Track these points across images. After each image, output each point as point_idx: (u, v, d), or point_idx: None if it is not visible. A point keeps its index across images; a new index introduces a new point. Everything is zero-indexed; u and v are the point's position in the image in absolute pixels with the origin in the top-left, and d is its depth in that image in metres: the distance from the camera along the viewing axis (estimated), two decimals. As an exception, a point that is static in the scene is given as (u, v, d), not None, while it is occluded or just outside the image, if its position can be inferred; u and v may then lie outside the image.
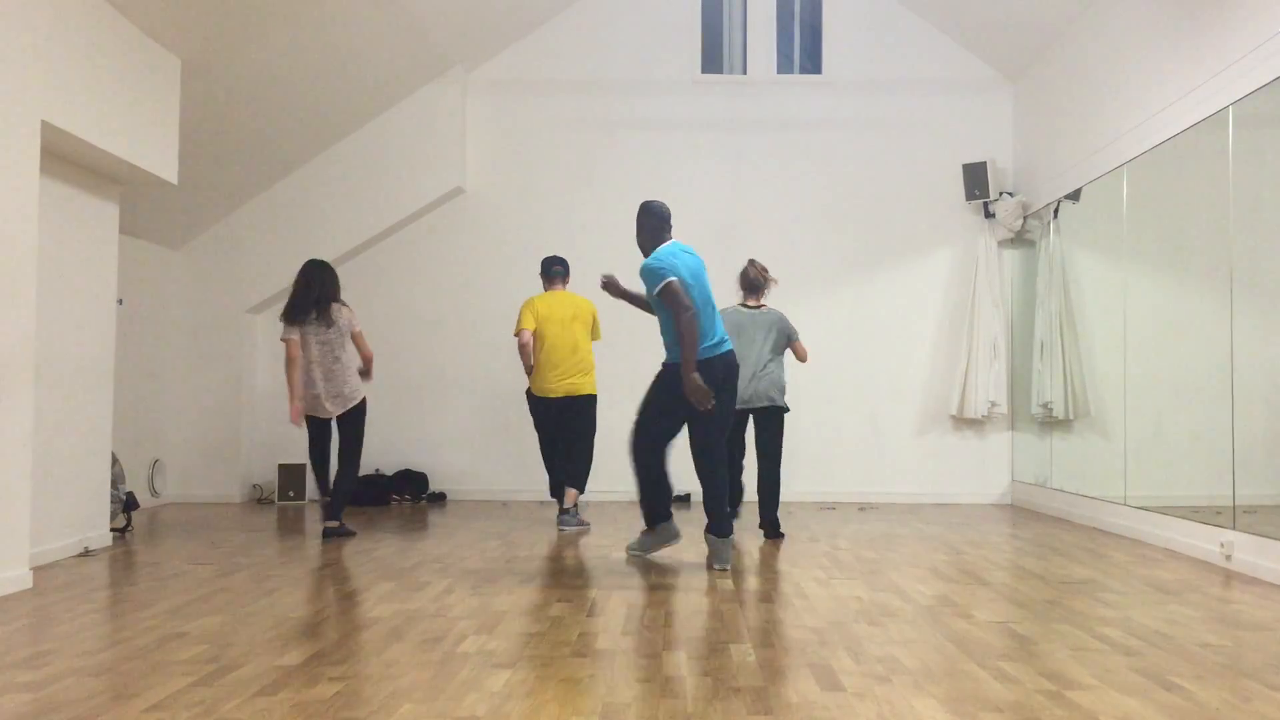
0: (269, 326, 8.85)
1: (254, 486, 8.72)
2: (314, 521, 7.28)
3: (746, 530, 6.72)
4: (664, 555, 5.67)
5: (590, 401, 6.93)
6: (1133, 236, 6.74)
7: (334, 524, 6.35)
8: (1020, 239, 8.65)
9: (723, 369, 5.29)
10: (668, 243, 5.39)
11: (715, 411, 5.25)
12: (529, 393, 6.95)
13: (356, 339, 6.48)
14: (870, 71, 8.97)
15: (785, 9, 9.13)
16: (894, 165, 8.91)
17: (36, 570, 5.01)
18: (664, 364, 5.42)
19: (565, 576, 4.99)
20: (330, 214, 8.64)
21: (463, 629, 3.83)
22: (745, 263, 6.67)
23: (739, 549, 5.92)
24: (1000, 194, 8.64)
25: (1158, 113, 6.25)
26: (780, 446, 6.46)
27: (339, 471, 6.43)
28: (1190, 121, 5.85)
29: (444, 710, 2.83)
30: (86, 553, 5.66)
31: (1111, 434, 6.93)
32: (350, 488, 6.47)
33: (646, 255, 5.39)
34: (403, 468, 8.74)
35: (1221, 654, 3.50)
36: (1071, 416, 7.64)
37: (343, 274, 8.75)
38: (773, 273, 6.85)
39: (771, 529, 6.41)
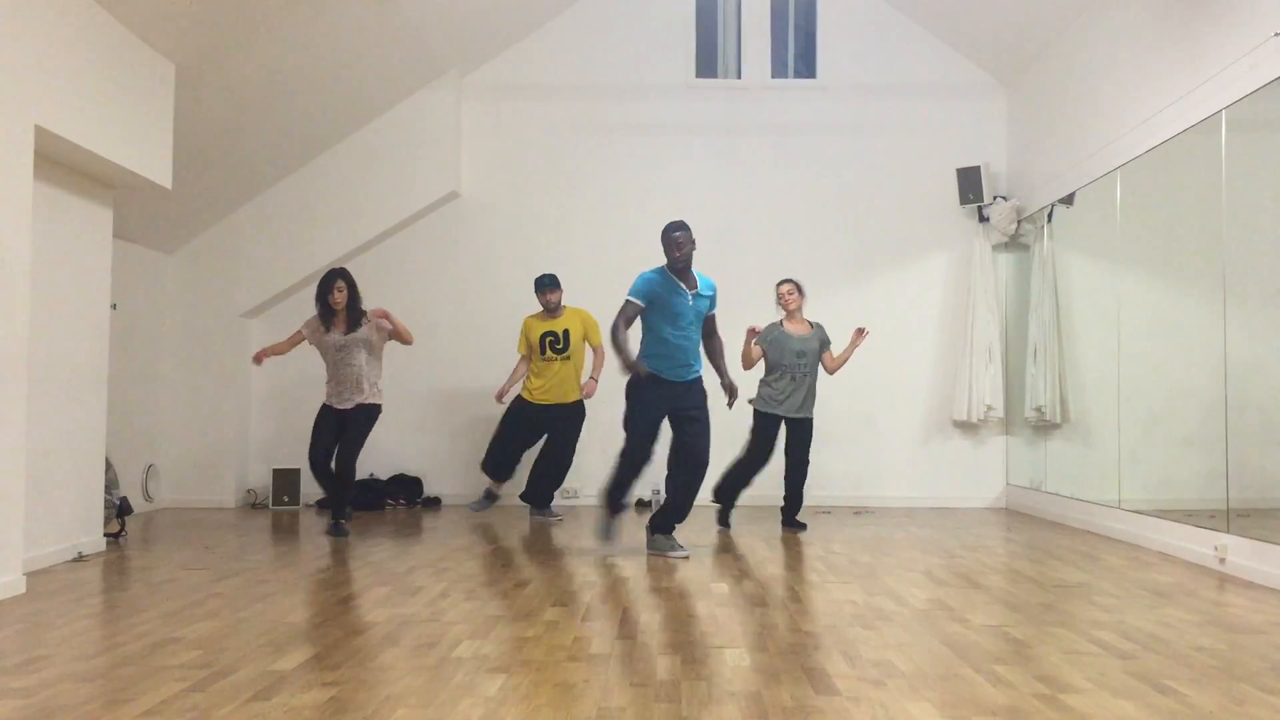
0: (263, 331, 8.84)
1: (248, 491, 8.70)
2: (308, 526, 7.27)
3: (745, 535, 6.72)
4: (660, 560, 5.67)
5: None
6: (1126, 240, 6.75)
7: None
8: (1014, 243, 8.67)
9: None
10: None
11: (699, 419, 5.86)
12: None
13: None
14: (864, 76, 8.98)
15: (779, 13, 9.14)
16: (888, 169, 8.92)
17: (30, 576, 4.99)
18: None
19: (559, 581, 4.99)
20: (325, 219, 8.63)
21: (457, 634, 3.82)
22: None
23: (736, 553, 5.92)
24: (994, 198, 8.65)
25: (1151, 117, 6.27)
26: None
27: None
28: (1183, 126, 5.86)
29: (438, 715, 2.82)
30: (80, 558, 5.64)
31: (1105, 438, 6.94)
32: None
33: (690, 269, 5.78)
34: (397, 472, 8.73)
35: (1216, 657, 3.51)
36: (1063, 420, 7.65)
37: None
38: (784, 289, 7.14)
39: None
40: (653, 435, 5.85)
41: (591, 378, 7.62)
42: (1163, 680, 3.20)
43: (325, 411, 6.75)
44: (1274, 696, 3.04)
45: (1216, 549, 5.37)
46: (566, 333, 7.55)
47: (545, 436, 7.65)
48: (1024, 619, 4.13)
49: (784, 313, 7.07)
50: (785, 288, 7.05)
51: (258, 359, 6.79)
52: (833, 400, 8.57)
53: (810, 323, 7.05)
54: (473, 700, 2.97)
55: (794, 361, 6.91)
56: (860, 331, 6.89)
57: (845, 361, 7.04)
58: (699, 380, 5.89)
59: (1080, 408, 7.48)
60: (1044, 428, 7.95)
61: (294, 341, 6.86)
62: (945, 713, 2.86)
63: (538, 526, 7.28)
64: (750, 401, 7.00)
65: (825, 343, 7.01)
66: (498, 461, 7.63)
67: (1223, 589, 4.85)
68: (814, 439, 7.10)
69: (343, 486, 6.69)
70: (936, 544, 6.37)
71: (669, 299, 5.73)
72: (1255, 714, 2.87)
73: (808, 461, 7.06)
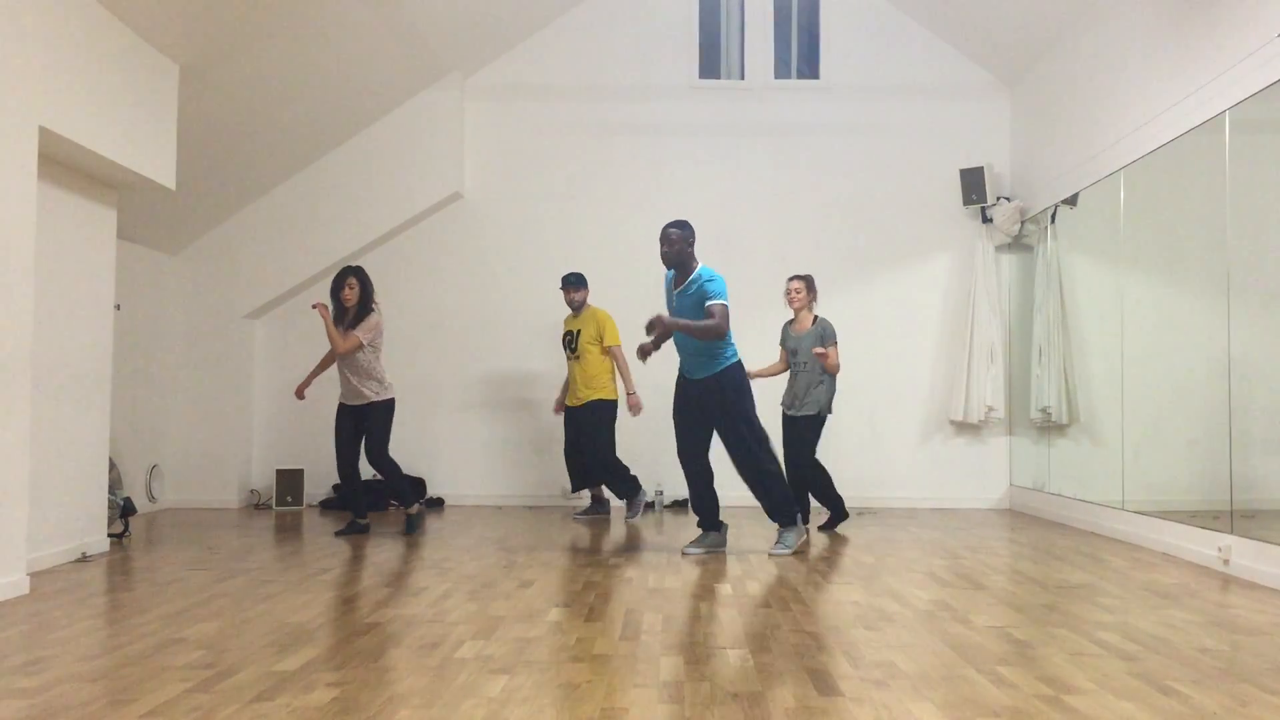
0: (267, 331, 8.85)
1: (252, 492, 8.71)
2: (312, 526, 7.27)
3: (748, 536, 6.72)
4: (664, 560, 5.67)
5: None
6: (1130, 241, 6.75)
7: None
8: (1018, 244, 8.66)
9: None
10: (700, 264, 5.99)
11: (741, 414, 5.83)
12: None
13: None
14: (868, 77, 8.98)
15: (783, 14, 9.14)
16: (891, 170, 8.91)
17: (34, 576, 5.00)
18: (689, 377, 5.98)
19: (563, 581, 4.99)
20: (328, 219, 8.64)
21: (460, 634, 3.82)
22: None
23: (740, 553, 5.92)
24: (998, 199, 8.65)
25: (1154, 118, 6.26)
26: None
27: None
28: (1187, 126, 5.86)
29: (441, 716, 2.82)
30: (84, 558, 5.65)
31: (1109, 438, 6.94)
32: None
33: (683, 267, 5.85)
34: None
35: (1219, 659, 3.51)
36: (1070, 421, 7.65)
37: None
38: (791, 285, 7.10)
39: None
40: (682, 429, 5.94)
41: (628, 391, 7.54)
42: (1166, 681, 3.20)
43: (340, 412, 6.84)
44: (1277, 698, 3.04)
45: (1220, 550, 5.36)
46: (578, 333, 7.58)
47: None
48: (1027, 620, 4.12)
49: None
50: (792, 285, 7.04)
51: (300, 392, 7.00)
52: (835, 401, 8.55)
53: (816, 318, 7.04)
54: (476, 701, 2.97)
55: (790, 359, 6.99)
56: (820, 354, 6.84)
57: (833, 366, 6.92)
58: (710, 380, 5.84)
59: (1085, 408, 7.47)
60: (1047, 428, 7.95)
61: (326, 363, 6.94)
62: (948, 713, 2.86)
63: (566, 525, 7.32)
64: None
65: (824, 339, 6.94)
66: (569, 472, 7.82)
67: (1226, 590, 4.84)
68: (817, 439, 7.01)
69: (387, 480, 6.90)
70: (939, 545, 6.37)
71: (667, 297, 6.06)
72: (1258, 715, 2.87)
73: (805, 464, 6.92)
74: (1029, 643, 3.72)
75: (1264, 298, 5.29)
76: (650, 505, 8.47)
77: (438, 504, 8.68)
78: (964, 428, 8.73)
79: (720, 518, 6.08)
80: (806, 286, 7.03)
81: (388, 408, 6.80)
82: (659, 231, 5.95)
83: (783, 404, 7.04)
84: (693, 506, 6.06)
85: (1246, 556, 5.16)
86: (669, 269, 5.97)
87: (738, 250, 8.76)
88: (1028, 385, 8.22)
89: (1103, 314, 7.08)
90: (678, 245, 5.84)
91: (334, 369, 6.93)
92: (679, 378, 6.04)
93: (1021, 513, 8.31)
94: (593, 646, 3.63)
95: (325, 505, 8.54)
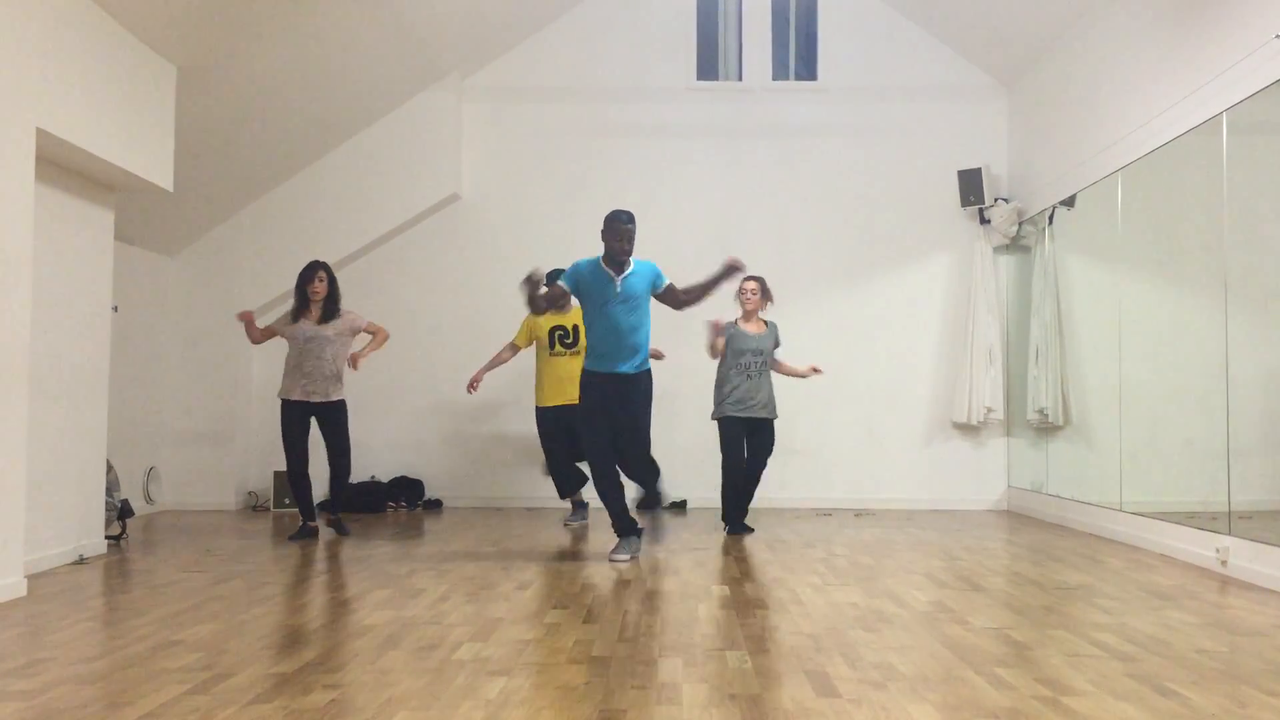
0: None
1: (249, 494, 8.70)
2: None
3: (748, 538, 6.72)
4: (661, 562, 5.67)
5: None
6: (1127, 242, 6.75)
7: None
8: (1015, 245, 8.67)
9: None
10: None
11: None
12: None
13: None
14: (865, 78, 8.98)
15: (780, 16, 9.14)
16: (889, 172, 8.92)
17: (31, 578, 4.99)
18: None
19: (561, 583, 4.99)
20: (326, 220, 8.63)
21: (458, 636, 3.82)
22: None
23: (738, 555, 5.92)
24: (995, 200, 8.65)
25: (1152, 119, 6.27)
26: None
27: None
28: (1184, 128, 5.86)
29: (439, 717, 2.82)
30: (81, 560, 5.64)
31: (1107, 440, 6.94)
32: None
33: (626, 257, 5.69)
34: (399, 474, 8.73)
35: (1217, 659, 3.51)
36: (1065, 422, 7.65)
37: (339, 280, 8.72)
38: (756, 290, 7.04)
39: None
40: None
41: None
42: (1164, 682, 3.20)
43: (291, 410, 6.60)
44: (1275, 699, 3.04)
45: (1218, 551, 5.36)
46: (576, 328, 7.27)
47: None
48: (1025, 621, 4.12)
49: (741, 310, 6.97)
50: (750, 285, 6.91)
51: (244, 317, 6.75)
52: (833, 402, 8.58)
53: (765, 321, 7.00)
54: (474, 703, 2.96)
55: (750, 360, 6.82)
56: (816, 370, 6.96)
57: (789, 375, 7.02)
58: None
59: (1082, 410, 7.48)
60: (1045, 430, 7.95)
61: (267, 334, 6.81)
62: (946, 715, 2.86)
63: (564, 529, 7.21)
64: (713, 417, 6.93)
65: (778, 342, 6.95)
66: (564, 477, 7.38)
67: (1224, 591, 4.84)
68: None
69: (344, 483, 6.97)
70: (937, 546, 6.37)
71: (601, 289, 5.71)
72: (1257, 716, 2.87)
73: (765, 465, 6.94)
74: (1027, 644, 3.72)
75: (1261, 298, 5.30)
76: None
77: (436, 505, 8.67)
78: (962, 429, 8.73)
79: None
80: (762, 289, 6.97)
81: (346, 408, 6.86)
82: (628, 227, 5.63)
83: (735, 410, 6.77)
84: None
85: (1244, 558, 5.16)
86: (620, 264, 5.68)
87: (735, 251, 8.67)
88: (1025, 386, 8.22)
89: (1100, 315, 7.08)
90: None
91: (279, 356, 6.90)
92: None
93: (1019, 514, 8.31)
94: (591, 648, 3.63)
95: (321, 507, 8.49)
